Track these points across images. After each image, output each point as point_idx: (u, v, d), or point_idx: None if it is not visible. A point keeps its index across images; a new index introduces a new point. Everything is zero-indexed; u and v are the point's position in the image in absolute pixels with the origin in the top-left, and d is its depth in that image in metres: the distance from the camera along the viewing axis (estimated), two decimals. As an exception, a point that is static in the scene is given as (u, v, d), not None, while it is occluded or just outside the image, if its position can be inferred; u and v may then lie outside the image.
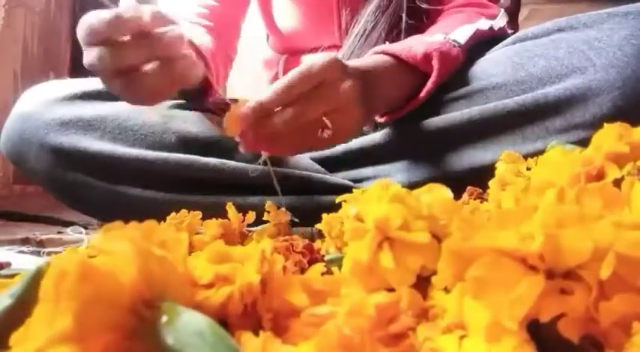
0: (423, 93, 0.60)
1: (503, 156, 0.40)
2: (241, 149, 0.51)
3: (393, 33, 0.70)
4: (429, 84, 0.60)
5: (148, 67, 0.49)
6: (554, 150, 0.32)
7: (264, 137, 0.50)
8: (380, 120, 0.65)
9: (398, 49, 0.60)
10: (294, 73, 0.50)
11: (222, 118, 0.61)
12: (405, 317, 0.19)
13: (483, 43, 0.65)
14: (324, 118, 0.50)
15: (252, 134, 0.49)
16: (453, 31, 0.63)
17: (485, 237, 0.17)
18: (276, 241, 0.33)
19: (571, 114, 0.54)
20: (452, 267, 0.18)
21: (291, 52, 0.86)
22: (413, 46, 0.60)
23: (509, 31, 0.68)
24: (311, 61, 0.51)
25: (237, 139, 0.50)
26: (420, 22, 0.70)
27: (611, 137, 0.29)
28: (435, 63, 0.59)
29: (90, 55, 0.50)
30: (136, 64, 0.49)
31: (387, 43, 0.68)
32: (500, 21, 0.67)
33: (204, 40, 0.74)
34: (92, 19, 0.49)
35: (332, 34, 0.79)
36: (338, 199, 0.39)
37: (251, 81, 1.03)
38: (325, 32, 0.79)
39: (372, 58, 0.61)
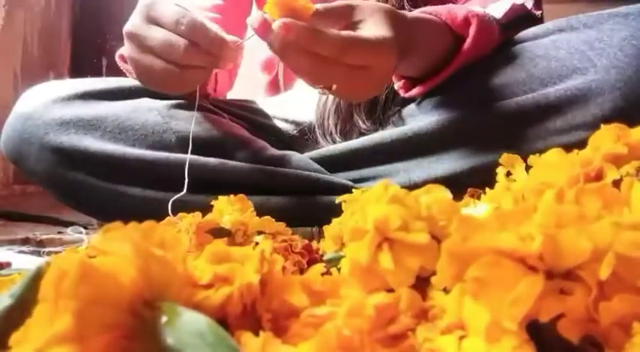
0: (460, 57, 0.59)
1: (502, 159, 0.40)
2: (257, 28, 0.49)
3: None
4: (465, 45, 0.59)
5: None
6: (552, 151, 0.32)
7: (285, 44, 0.47)
8: (411, 93, 0.64)
9: (438, 8, 0.60)
10: (359, 37, 0.48)
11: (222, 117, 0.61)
12: (404, 317, 0.19)
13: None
14: (334, 85, 0.49)
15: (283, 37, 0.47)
16: (487, 5, 0.63)
17: (485, 238, 0.17)
18: (275, 241, 0.33)
19: (572, 115, 0.54)
20: (451, 268, 0.18)
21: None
22: (453, 7, 0.60)
23: (537, 13, 0.67)
24: (370, 36, 0.49)
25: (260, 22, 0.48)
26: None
27: (608, 138, 0.29)
28: (473, 28, 0.58)
29: (154, 33, 0.53)
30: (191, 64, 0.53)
31: None
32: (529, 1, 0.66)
33: None
34: (171, 7, 0.53)
35: None
36: (338, 199, 0.39)
37: (249, 82, 1.03)
38: None
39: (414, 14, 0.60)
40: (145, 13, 0.54)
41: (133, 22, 0.55)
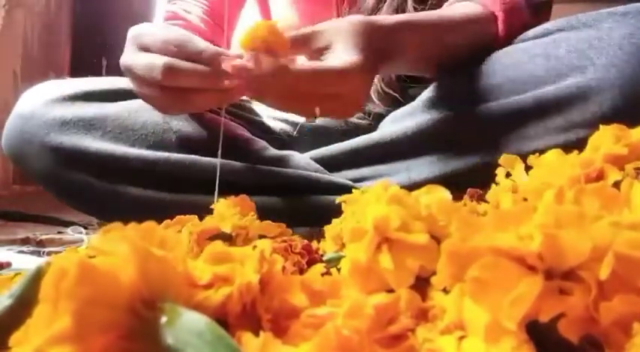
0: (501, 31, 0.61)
1: (502, 159, 0.40)
2: (225, 66, 0.48)
3: None
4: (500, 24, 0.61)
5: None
6: (552, 152, 0.32)
7: (257, 82, 0.48)
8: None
9: None
10: (324, 68, 0.49)
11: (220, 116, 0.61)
12: (404, 318, 0.19)
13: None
14: (316, 109, 0.50)
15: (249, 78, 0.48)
16: None
17: (484, 238, 0.17)
18: (274, 242, 0.33)
19: (571, 113, 0.54)
20: (451, 268, 0.18)
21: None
22: None
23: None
24: (337, 64, 0.49)
25: (232, 61, 0.48)
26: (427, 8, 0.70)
27: (608, 139, 0.29)
28: (501, 21, 0.61)
29: (139, 59, 0.52)
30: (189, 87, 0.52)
31: None
32: None
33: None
34: (159, 31, 0.53)
35: None
36: (338, 200, 0.39)
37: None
38: None
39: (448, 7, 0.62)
40: (134, 43, 0.54)
41: (126, 55, 0.55)
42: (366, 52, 0.51)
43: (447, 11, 0.63)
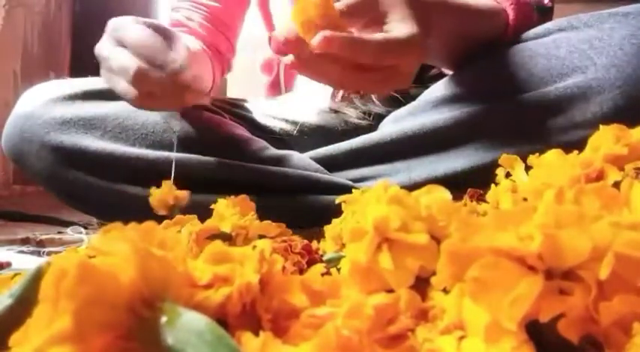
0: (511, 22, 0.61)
1: (502, 159, 0.40)
2: (276, 40, 0.49)
3: None
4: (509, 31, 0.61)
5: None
6: (552, 152, 0.32)
7: (318, 58, 0.47)
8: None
9: None
10: (392, 38, 0.48)
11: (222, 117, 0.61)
12: (403, 318, 0.19)
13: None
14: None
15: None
16: None
17: (484, 238, 0.17)
18: (274, 242, 0.33)
19: (572, 113, 0.54)
20: (451, 268, 0.18)
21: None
22: None
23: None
24: (403, 34, 0.48)
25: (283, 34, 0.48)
26: None
27: (608, 139, 0.29)
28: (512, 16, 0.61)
29: (116, 54, 0.54)
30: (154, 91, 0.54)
31: None
32: None
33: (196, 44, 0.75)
34: (137, 31, 0.55)
35: None
36: (338, 200, 0.39)
37: (250, 83, 1.03)
38: None
39: None
40: (111, 35, 0.56)
41: (101, 43, 0.57)
42: (421, 26, 0.50)
43: (468, 1, 0.63)
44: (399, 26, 0.49)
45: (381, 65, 0.48)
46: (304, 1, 0.47)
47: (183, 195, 0.50)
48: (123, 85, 0.55)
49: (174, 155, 0.59)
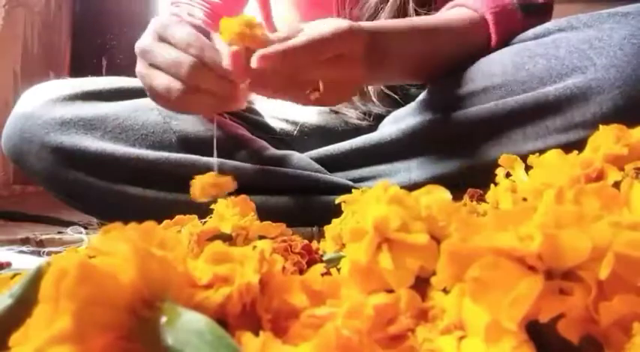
0: (493, 42, 0.62)
1: (502, 159, 0.40)
2: (225, 64, 0.50)
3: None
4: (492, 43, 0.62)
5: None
6: (551, 152, 0.32)
7: (254, 71, 0.49)
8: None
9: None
10: (313, 38, 0.50)
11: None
12: (403, 318, 0.19)
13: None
14: (320, 83, 0.51)
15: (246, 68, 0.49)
16: None
17: (484, 238, 0.17)
18: (274, 242, 0.33)
19: (571, 114, 0.54)
20: (451, 268, 0.18)
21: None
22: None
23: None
24: (325, 29, 0.51)
25: (226, 56, 0.50)
26: (428, 11, 0.70)
27: (608, 139, 0.29)
28: (492, 27, 0.61)
29: (162, 50, 0.54)
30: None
31: None
32: None
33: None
34: (184, 28, 0.54)
35: None
36: (338, 200, 0.39)
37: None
38: None
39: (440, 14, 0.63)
40: (157, 32, 0.55)
41: (145, 40, 0.56)
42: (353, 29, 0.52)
43: (443, 17, 0.63)
44: (322, 26, 0.51)
45: (320, 63, 0.50)
46: (227, 21, 0.49)
47: (227, 181, 0.50)
48: (165, 80, 0.54)
49: (214, 159, 0.58)
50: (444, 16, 0.64)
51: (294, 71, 0.50)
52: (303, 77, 0.52)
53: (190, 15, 0.81)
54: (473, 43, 0.62)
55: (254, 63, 0.48)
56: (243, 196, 0.45)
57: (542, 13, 0.65)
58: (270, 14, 0.86)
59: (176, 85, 0.53)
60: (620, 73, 0.52)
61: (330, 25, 0.51)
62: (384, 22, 0.61)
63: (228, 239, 0.40)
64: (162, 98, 0.56)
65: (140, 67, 0.57)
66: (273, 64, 0.48)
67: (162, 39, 0.54)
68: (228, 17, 0.50)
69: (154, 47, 0.54)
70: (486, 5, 0.62)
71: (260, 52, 0.48)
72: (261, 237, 0.41)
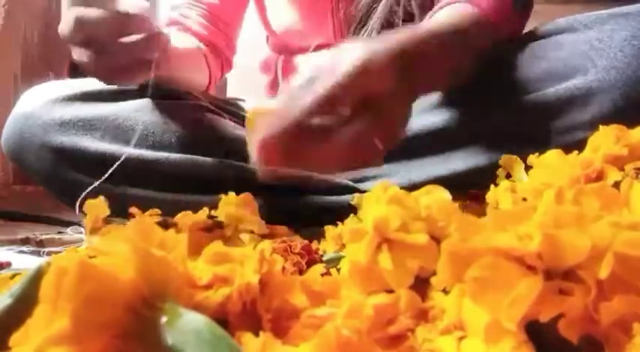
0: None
1: (502, 160, 0.40)
2: (260, 171, 0.42)
3: (392, 20, 0.70)
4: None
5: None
6: (551, 152, 0.32)
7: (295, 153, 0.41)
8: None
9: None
10: (331, 84, 0.40)
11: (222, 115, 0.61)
12: (403, 318, 0.19)
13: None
14: (375, 140, 0.41)
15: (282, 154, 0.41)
16: None
17: (484, 238, 0.17)
18: (274, 242, 0.33)
19: (572, 115, 0.54)
20: (450, 268, 0.18)
21: (287, 52, 0.86)
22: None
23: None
24: (340, 66, 0.41)
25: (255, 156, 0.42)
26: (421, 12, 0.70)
27: (608, 139, 0.29)
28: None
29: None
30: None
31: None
32: None
33: (187, 42, 0.75)
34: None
35: (327, 32, 0.78)
36: (351, 201, 0.38)
37: (250, 83, 1.03)
38: (321, 30, 0.79)
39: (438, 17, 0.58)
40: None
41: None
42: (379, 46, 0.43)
43: (443, 21, 0.61)
44: (343, 56, 0.42)
45: (354, 110, 0.41)
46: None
47: None
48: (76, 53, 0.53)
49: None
50: (447, 19, 0.62)
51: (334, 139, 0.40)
52: (353, 138, 0.41)
53: (185, 17, 0.81)
54: (479, 43, 0.61)
55: (255, 151, 0.40)
56: (246, 194, 0.45)
57: (527, 10, 0.65)
58: (266, 14, 0.86)
59: (85, 54, 0.53)
60: (621, 75, 0.52)
61: (352, 54, 0.42)
62: (401, 36, 0.49)
63: (219, 226, 0.40)
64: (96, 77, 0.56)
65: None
66: (279, 140, 0.40)
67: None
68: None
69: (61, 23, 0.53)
70: (487, 5, 0.61)
71: (256, 138, 0.40)
72: (251, 232, 0.41)
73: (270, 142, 0.40)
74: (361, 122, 0.41)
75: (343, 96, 0.41)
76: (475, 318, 0.17)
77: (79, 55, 0.55)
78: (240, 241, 0.40)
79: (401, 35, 0.48)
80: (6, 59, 1.42)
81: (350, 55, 0.42)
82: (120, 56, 0.53)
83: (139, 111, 0.66)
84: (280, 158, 0.41)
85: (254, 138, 0.41)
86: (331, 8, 0.76)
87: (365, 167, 0.48)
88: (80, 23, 0.50)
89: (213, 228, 0.39)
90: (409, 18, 0.70)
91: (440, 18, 0.61)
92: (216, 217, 0.42)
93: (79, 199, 0.56)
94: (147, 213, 0.42)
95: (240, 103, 0.80)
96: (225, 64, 0.85)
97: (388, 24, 0.70)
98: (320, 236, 0.42)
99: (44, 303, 0.16)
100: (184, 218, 0.39)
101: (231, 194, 0.44)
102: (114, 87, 0.69)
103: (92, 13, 0.50)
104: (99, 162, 0.63)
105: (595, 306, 0.16)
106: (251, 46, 0.93)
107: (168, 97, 0.68)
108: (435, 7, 0.64)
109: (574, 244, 0.16)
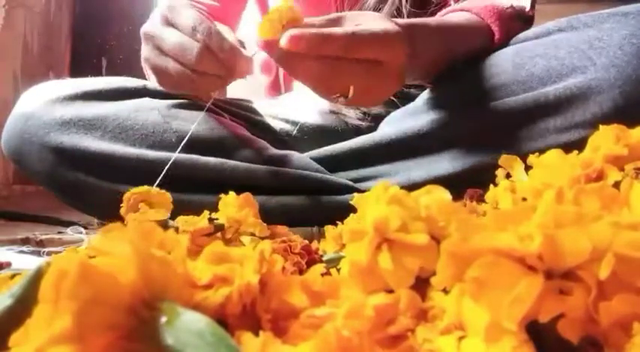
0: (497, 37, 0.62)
1: (501, 160, 0.40)
2: (260, 47, 0.50)
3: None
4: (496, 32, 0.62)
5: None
6: (551, 152, 0.32)
7: (292, 57, 0.48)
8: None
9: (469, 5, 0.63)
10: (359, 33, 0.47)
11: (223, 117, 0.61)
12: (403, 318, 0.19)
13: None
14: (351, 88, 0.48)
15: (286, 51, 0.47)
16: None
17: (484, 238, 0.17)
18: (274, 242, 0.33)
19: (571, 114, 0.54)
20: (451, 268, 0.18)
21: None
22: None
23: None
24: (374, 27, 0.49)
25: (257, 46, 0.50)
26: (425, 13, 0.71)
27: (608, 139, 0.29)
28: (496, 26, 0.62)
29: (168, 34, 0.54)
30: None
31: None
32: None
33: None
34: (191, 12, 0.54)
35: None
36: (351, 201, 0.39)
37: (250, 83, 1.03)
38: None
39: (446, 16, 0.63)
40: (163, 16, 0.55)
41: (152, 23, 0.56)
42: (399, 28, 0.50)
43: (453, 19, 0.63)
44: (371, 23, 0.49)
45: (357, 57, 0.48)
46: (271, 13, 0.48)
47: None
48: (170, 64, 0.54)
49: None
50: (454, 19, 0.64)
51: (326, 66, 0.48)
52: (333, 74, 0.49)
53: None
54: (478, 46, 0.63)
55: (285, 41, 0.46)
56: (247, 194, 0.45)
57: (528, 25, 0.66)
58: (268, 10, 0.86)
59: (181, 69, 0.53)
60: (620, 73, 0.52)
61: (379, 24, 0.49)
62: (415, 21, 0.59)
63: (220, 229, 0.40)
64: (167, 82, 0.56)
65: (146, 51, 0.57)
66: (308, 47, 0.46)
67: (168, 23, 0.54)
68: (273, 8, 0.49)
69: (160, 31, 0.54)
70: (490, 14, 0.63)
71: (295, 31, 0.46)
72: (252, 234, 0.41)
73: (299, 39, 0.46)
74: (366, 69, 0.48)
75: (361, 47, 0.47)
76: (475, 318, 0.17)
77: (163, 63, 0.55)
78: (241, 243, 0.41)
79: (415, 21, 0.56)
80: (6, 59, 1.42)
81: (385, 24, 0.49)
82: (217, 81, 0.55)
83: (138, 110, 0.66)
84: (301, 49, 0.46)
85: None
86: (335, 8, 0.76)
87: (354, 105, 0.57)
88: (207, 54, 0.52)
89: (215, 233, 0.40)
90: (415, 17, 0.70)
91: (449, 18, 0.62)
92: (216, 219, 0.42)
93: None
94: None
95: (241, 103, 0.80)
96: None
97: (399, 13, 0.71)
98: (320, 236, 0.42)
99: (44, 303, 0.16)
100: (185, 224, 0.39)
101: (232, 194, 0.44)
102: (114, 86, 0.69)
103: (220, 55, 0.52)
104: (99, 161, 0.63)
105: (595, 306, 0.16)
106: (251, 46, 0.93)
107: (169, 97, 0.68)
108: (443, 11, 0.65)
109: (574, 244, 0.16)
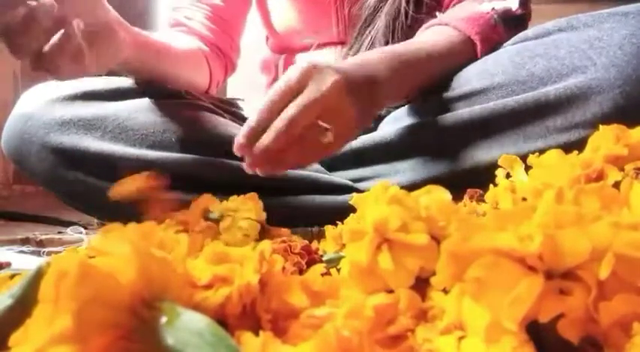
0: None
1: (501, 160, 0.40)
2: (246, 169, 0.53)
3: (398, 21, 0.70)
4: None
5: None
6: (551, 152, 0.32)
7: (264, 157, 0.51)
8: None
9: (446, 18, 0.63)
10: (273, 88, 0.51)
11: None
12: (403, 318, 0.19)
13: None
14: (319, 122, 0.50)
15: (253, 157, 0.51)
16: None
17: (484, 238, 0.17)
18: (274, 242, 0.33)
19: (572, 113, 0.54)
20: (451, 268, 0.18)
21: (289, 52, 0.86)
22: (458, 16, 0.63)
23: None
24: (287, 73, 0.52)
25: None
26: (426, 13, 0.70)
27: (608, 139, 0.29)
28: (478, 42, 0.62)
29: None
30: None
31: (394, 31, 0.69)
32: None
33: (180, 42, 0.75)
34: None
35: (330, 31, 0.78)
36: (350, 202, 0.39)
37: (248, 85, 1.03)
38: (323, 29, 0.79)
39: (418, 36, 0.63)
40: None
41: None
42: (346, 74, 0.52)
43: (429, 41, 0.63)
44: (311, 87, 0.51)
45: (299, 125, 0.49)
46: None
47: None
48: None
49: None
50: (429, 39, 0.64)
51: (296, 148, 0.50)
52: (293, 127, 0.50)
53: (189, 18, 0.81)
54: (459, 60, 0.63)
55: (248, 169, 0.51)
56: (252, 194, 0.46)
57: (521, 24, 0.66)
58: (269, 14, 0.86)
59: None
60: (621, 73, 0.52)
61: (318, 86, 0.50)
62: (363, 58, 0.59)
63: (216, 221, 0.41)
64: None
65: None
66: (264, 157, 0.49)
67: None
68: None
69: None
70: (470, 25, 0.62)
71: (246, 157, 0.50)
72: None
73: (260, 154, 0.49)
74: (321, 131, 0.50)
75: (280, 96, 0.51)
76: (475, 318, 0.17)
77: None
78: (238, 230, 0.42)
79: (377, 56, 0.57)
80: (6, 59, 1.41)
81: (328, 78, 0.51)
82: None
83: (138, 111, 0.66)
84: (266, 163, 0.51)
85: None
86: (335, 8, 0.76)
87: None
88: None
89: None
90: (414, 18, 0.70)
91: (424, 38, 0.62)
92: (212, 212, 0.43)
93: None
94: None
95: (241, 103, 0.80)
96: (229, 66, 0.85)
97: (393, 24, 0.70)
98: (320, 236, 0.42)
99: (44, 303, 0.16)
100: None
101: (232, 198, 0.45)
102: (114, 86, 0.69)
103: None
104: (99, 161, 0.63)
105: (595, 306, 0.16)
106: (251, 46, 0.93)
107: (169, 97, 0.68)
108: (422, 27, 0.65)
109: (574, 244, 0.16)
